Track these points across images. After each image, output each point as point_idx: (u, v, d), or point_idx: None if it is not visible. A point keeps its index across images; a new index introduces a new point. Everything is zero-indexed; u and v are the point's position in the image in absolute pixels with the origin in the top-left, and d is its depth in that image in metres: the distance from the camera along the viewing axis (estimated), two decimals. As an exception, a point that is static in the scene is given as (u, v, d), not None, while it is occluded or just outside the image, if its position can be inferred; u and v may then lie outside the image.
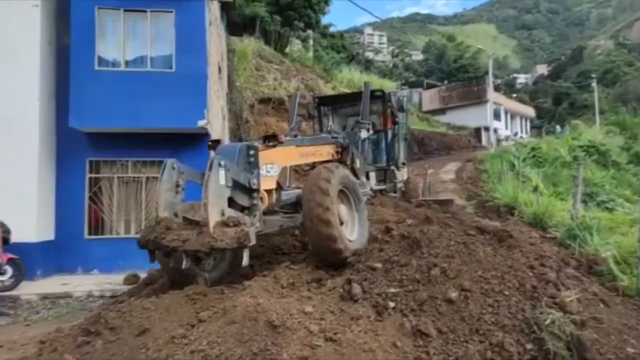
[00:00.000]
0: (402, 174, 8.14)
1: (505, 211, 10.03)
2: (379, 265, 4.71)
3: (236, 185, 4.46)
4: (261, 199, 4.86)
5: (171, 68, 9.50)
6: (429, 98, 34.75)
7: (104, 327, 4.12)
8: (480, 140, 30.10)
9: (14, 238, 7.93)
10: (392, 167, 7.72)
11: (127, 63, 9.54)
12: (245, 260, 4.15)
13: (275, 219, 5.29)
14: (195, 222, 4.27)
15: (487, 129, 30.48)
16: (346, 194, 5.15)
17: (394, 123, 7.71)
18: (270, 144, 5.07)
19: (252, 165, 4.68)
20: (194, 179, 4.82)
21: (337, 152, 6.43)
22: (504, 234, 5.00)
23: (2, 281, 7.65)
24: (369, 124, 6.79)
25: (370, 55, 65.41)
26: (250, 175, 4.60)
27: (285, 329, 3.74)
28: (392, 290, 4.38)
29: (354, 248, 4.84)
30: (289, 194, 5.69)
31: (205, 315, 4.19)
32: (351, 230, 5.12)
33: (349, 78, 25.27)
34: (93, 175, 9.78)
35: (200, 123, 9.22)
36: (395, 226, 5.33)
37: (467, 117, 30.77)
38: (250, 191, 4.63)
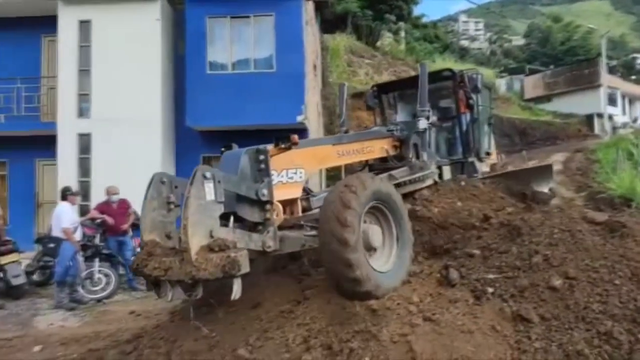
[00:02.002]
0: (485, 166, 6.85)
1: (620, 203, 9.20)
2: (477, 252, 4.73)
3: (240, 198, 3.82)
4: (285, 209, 4.23)
5: (272, 68, 10.22)
6: (532, 85, 32.29)
7: (223, 300, 4.72)
8: (592, 129, 27.25)
9: (144, 224, 9.19)
10: (472, 159, 6.53)
11: (233, 65, 10.46)
12: (235, 293, 3.42)
13: (297, 235, 4.29)
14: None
15: (600, 115, 27.50)
16: (384, 213, 4.22)
17: (469, 107, 6.51)
18: (283, 146, 4.29)
19: (263, 172, 3.95)
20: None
21: (395, 147, 5.66)
22: (616, 224, 4.72)
23: (135, 260, 8.94)
24: (428, 111, 5.84)
25: (465, 43, 62.49)
26: (258, 185, 3.85)
27: (384, 310, 3.98)
28: (491, 276, 4.40)
29: (383, 283, 3.91)
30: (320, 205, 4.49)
31: (309, 294, 4.59)
32: (384, 260, 4.18)
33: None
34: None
35: (299, 119, 9.82)
36: (494, 214, 5.27)
37: (577, 104, 28.01)
38: (260, 204, 3.89)
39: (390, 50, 22.74)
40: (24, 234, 8.71)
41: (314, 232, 4.19)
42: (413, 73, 20.94)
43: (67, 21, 10.35)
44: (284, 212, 4.30)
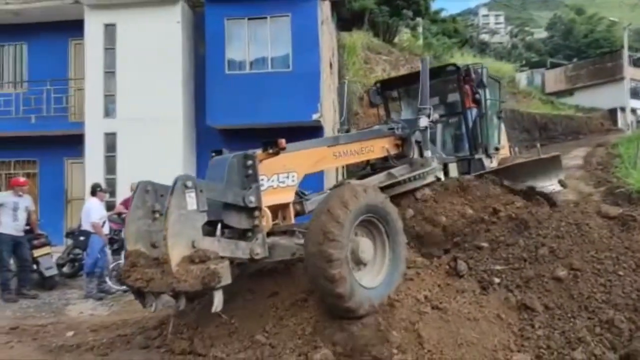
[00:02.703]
0: (494, 162, 6.66)
1: (638, 198, 9.12)
2: (485, 244, 4.88)
3: (227, 206, 3.75)
4: (277, 214, 4.17)
5: (288, 67, 10.44)
6: (553, 78, 31.66)
7: (242, 289, 4.99)
8: (615, 123, 26.63)
9: (168, 219, 9.56)
10: (479, 156, 6.38)
11: (251, 65, 10.71)
12: (216, 305, 3.44)
13: (287, 243, 4.16)
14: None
15: (623, 109, 26.87)
16: (376, 225, 4.07)
17: (476, 102, 6.35)
18: (271, 151, 4.09)
19: (251, 178, 3.84)
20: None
21: (396, 146, 5.58)
22: (628, 218, 4.79)
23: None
24: (430, 109, 5.67)
25: (485, 37, 61.48)
26: (246, 192, 3.74)
27: (394, 300, 4.18)
28: (498, 267, 4.55)
29: (368, 300, 3.78)
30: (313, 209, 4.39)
31: (323, 283, 4.82)
32: (374, 275, 4.05)
33: (462, 63, 24.33)
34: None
35: (315, 116, 10.03)
36: (503, 207, 5.39)
37: (599, 98, 27.38)
38: (248, 210, 3.79)
39: (408, 46, 22.67)
40: (54, 229, 9.12)
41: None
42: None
43: (93, 25, 10.76)
44: (276, 217, 4.24)
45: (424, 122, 5.54)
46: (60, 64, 11.57)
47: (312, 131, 10.40)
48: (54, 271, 7.58)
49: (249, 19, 10.56)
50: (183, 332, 4.65)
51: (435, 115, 5.75)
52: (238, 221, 3.81)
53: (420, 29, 26.33)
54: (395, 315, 4.02)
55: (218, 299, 3.42)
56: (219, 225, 3.80)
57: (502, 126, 7.33)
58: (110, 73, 10.76)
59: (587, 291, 3.97)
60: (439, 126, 6.29)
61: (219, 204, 3.68)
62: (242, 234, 3.88)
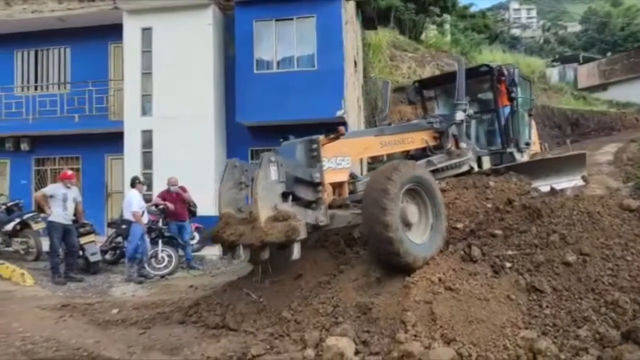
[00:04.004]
0: (525, 156, 7.18)
1: (665, 193, 9.00)
2: (499, 232, 5.10)
3: (297, 180, 4.49)
4: (329, 192, 4.81)
5: (314, 66, 10.77)
6: (586, 73, 30.76)
7: (270, 269, 5.38)
8: (651, 118, 25.71)
9: (200, 212, 10.06)
10: (510, 150, 6.86)
11: (278, 64, 11.10)
12: (296, 254, 4.18)
13: (344, 214, 5.07)
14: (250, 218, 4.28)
15: (661, 104, 25.90)
16: (419, 193, 4.80)
17: (508, 100, 6.84)
18: (332, 136, 4.86)
19: (315, 159, 4.62)
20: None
21: (434, 138, 6.13)
22: (645, 209, 4.90)
23: (192, 244, 9.83)
24: (465, 104, 6.27)
25: (516, 32, 60.11)
26: (312, 170, 4.55)
27: (409, 282, 4.48)
28: (510, 252, 4.78)
29: (421, 253, 4.50)
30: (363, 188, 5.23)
31: (344, 268, 5.19)
32: (421, 233, 4.78)
33: (490, 59, 24.07)
34: (255, 162, 11.68)
35: (339, 113, 10.33)
36: (517, 197, 5.59)
37: (635, 92, 26.47)
38: (314, 185, 4.57)
39: (435, 43, 22.64)
40: (95, 220, 9.65)
41: (358, 211, 4.94)
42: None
43: (131, 29, 11.40)
44: (333, 194, 4.98)
45: (460, 115, 6.15)
46: (101, 66, 12.27)
47: (338, 126, 10.74)
48: (98, 257, 8.21)
49: (276, 20, 10.95)
50: (216, 310, 5.08)
51: (470, 111, 6.37)
52: (306, 193, 4.60)
53: (447, 26, 26.19)
54: (410, 296, 4.33)
55: (297, 249, 4.21)
56: (290, 197, 4.49)
57: (533, 123, 7.75)
58: (147, 74, 11.35)
59: (594, 275, 4.15)
60: (473, 122, 6.78)
61: (291, 178, 4.43)
62: (307, 205, 4.61)
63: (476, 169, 6.34)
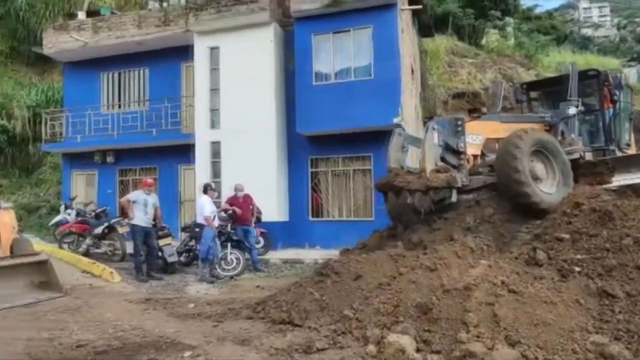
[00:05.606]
0: None
1: None
2: (566, 236, 4.99)
3: (447, 147, 5.86)
4: (467, 160, 6.06)
5: (370, 75, 10.98)
6: (667, 72, 28.32)
7: (331, 271, 5.62)
8: None
9: (264, 218, 10.55)
10: (612, 148, 7.56)
11: (335, 75, 11.42)
12: (454, 198, 5.70)
13: (479, 177, 6.44)
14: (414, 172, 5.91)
15: None
16: (544, 153, 6.00)
17: (613, 102, 7.59)
18: (475, 115, 6.50)
19: (459, 133, 5.98)
20: (413, 143, 6.78)
21: (545, 131, 6.87)
22: None
23: (258, 248, 10.34)
24: (577, 102, 7.05)
25: (588, 31, 56.63)
26: (457, 140, 5.93)
27: (471, 285, 4.52)
28: (579, 256, 4.66)
29: (552, 200, 5.58)
30: (491, 159, 6.67)
31: (404, 270, 5.31)
32: (550, 185, 5.95)
33: (559, 61, 22.91)
34: (313, 170, 12.05)
35: (396, 120, 10.40)
36: (587, 201, 5.42)
37: None
38: (458, 153, 5.95)
39: (497, 47, 21.98)
40: (170, 226, 10.33)
41: (489, 175, 6.30)
42: (521, 69, 20.23)
43: (200, 49, 12.28)
44: (468, 164, 6.16)
45: (572, 110, 7.02)
46: (174, 84, 13.28)
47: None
48: (175, 258, 8.90)
49: (333, 33, 11.31)
50: (282, 307, 5.38)
51: (581, 107, 7.18)
52: (451, 158, 5.93)
53: (509, 29, 25.34)
54: (472, 297, 4.37)
55: (454, 194, 5.73)
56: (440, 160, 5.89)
57: (631, 126, 8.43)
58: (215, 90, 12.15)
59: (671, 280, 3.97)
60: (577, 121, 7.39)
61: (442, 146, 5.82)
62: (452, 168, 5.89)
63: (585, 158, 7.06)
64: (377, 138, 11.01)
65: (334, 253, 10.16)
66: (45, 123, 14.44)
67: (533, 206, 5.54)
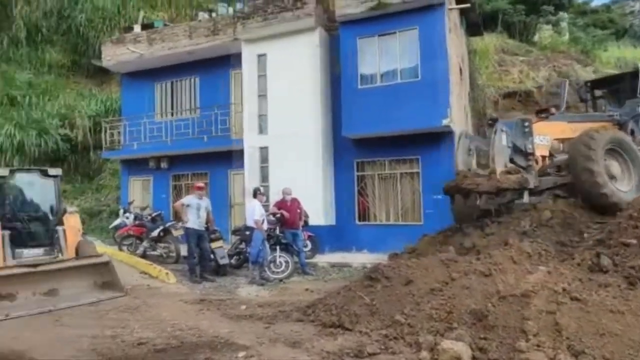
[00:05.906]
0: None
1: None
2: (633, 241, 4.72)
3: (515, 149, 5.96)
4: (536, 161, 6.07)
5: (417, 77, 10.77)
6: None
7: (381, 275, 5.59)
8: None
9: (311, 222, 10.61)
10: None
11: (381, 77, 11.29)
12: (526, 199, 5.77)
13: (549, 178, 6.53)
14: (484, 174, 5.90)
15: None
16: (618, 152, 6.01)
17: None
18: (543, 115, 6.55)
19: (527, 134, 6.08)
20: (479, 144, 6.77)
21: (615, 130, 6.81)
22: None
23: (305, 252, 10.41)
24: None
25: (650, 22, 52.83)
26: (526, 141, 6.03)
27: (530, 292, 4.35)
28: (648, 263, 4.36)
29: (629, 199, 5.49)
30: (560, 160, 6.74)
31: (456, 276, 5.19)
32: (625, 184, 5.97)
33: (618, 56, 21.53)
34: (359, 173, 12.01)
35: (445, 121, 10.20)
36: (656, 205, 5.09)
37: None
38: (526, 154, 6.05)
39: (550, 44, 21.00)
40: (221, 229, 10.61)
41: (559, 176, 6.36)
42: (577, 66, 19.22)
43: (248, 56, 12.59)
44: (537, 164, 6.23)
45: None
46: (224, 91, 13.69)
47: (442, 136, 10.62)
48: (226, 260, 9.17)
49: (379, 35, 11.23)
50: (332, 310, 5.40)
51: None
52: (520, 160, 6.05)
53: (564, 24, 24.13)
54: (531, 305, 4.20)
55: (526, 195, 5.81)
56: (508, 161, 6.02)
57: None
58: (262, 96, 12.40)
59: None
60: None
61: (510, 147, 5.93)
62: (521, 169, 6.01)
63: None
64: (425, 140, 10.84)
65: (381, 257, 10.12)
66: (105, 131, 15.33)
67: (613, 207, 5.45)
